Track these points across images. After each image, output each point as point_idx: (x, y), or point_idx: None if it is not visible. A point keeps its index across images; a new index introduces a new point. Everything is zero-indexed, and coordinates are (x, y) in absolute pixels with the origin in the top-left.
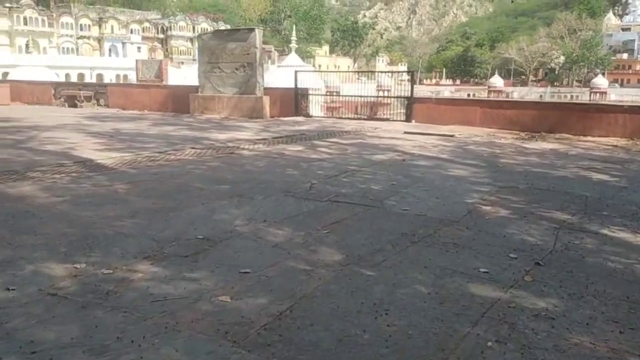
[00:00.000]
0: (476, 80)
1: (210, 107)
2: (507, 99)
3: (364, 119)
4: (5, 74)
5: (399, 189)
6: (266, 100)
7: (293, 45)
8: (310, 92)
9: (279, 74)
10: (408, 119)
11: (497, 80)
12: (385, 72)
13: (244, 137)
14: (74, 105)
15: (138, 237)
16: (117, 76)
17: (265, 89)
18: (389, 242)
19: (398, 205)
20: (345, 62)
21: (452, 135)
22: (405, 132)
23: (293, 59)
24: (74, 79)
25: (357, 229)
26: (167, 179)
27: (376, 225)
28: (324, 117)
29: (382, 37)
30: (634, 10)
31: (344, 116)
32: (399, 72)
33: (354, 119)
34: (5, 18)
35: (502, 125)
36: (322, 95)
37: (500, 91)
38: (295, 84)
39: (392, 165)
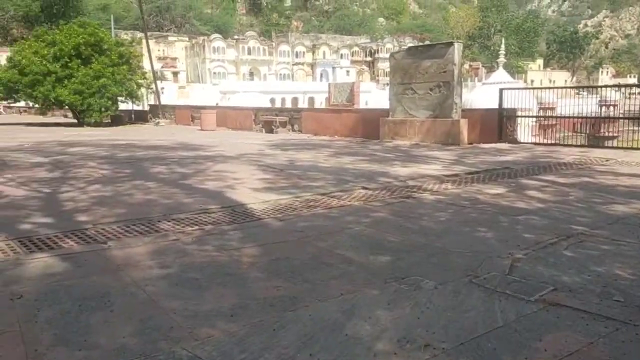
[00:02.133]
0: None
1: (401, 133)
2: None
3: (589, 146)
4: (227, 97)
5: None
6: (463, 123)
7: (501, 60)
8: (518, 112)
9: (482, 92)
10: None
11: None
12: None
13: (431, 173)
14: (271, 131)
15: None
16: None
17: (463, 110)
18: None
19: None
20: (561, 76)
21: None
22: None
23: (500, 75)
24: (288, 103)
25: None
26: (311, 241)
27: None
28: (534, 144)
29: (606, 47)
30: None
31: (560, 142)
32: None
33: (574, 145)
34: (233, 49)
35: None
36: (533, 117)
37: None
38: (500, 104)
39: None
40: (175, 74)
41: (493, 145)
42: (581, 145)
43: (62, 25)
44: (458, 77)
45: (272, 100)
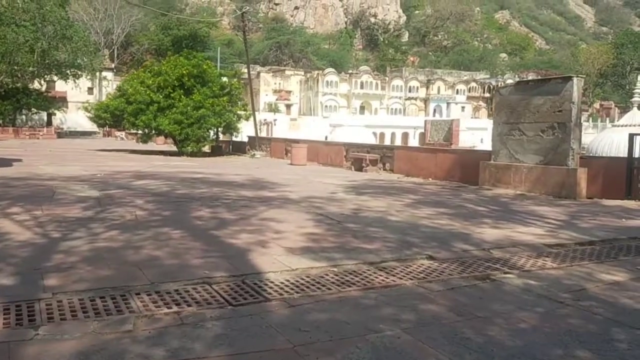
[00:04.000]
0: None
1: (504, 180)
2: None
3: None
4: (334, 131)
5: None
6: (582, 173)
7: (636, 99)
8: None
9: (611, 136)
10: None
11: None
12: None
13: (528, 239)
14: (360, 169)
15: None
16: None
17: (583, 158)
18: None
19: None
20: None
21: None
22: None
23: (633, 116)
24: (398, 137)
25: None
26: (310, 354)
27: None
28: None
29: None
30: None
31: None
32: None
33: None
34: (345, 83)
35: None
36: None
37: None
38: (630, 152)
39: None
40: (288, 106)
41: (619, 202)
42: None
43: (168, 57)
44: (577, 117)
45: (380, 135)
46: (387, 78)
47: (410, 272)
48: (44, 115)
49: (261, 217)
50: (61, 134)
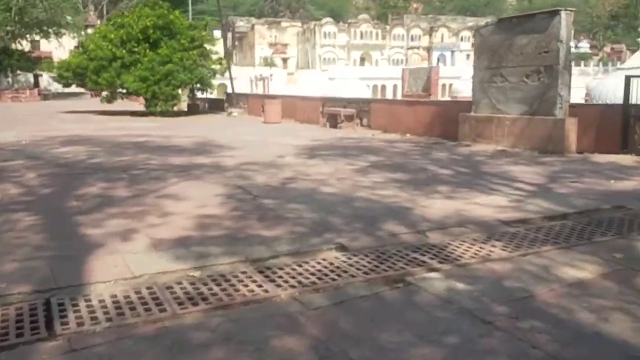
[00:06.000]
0: None
1: (485, 134)
2: None
3: None
4: (332, 85)
5: None
6: (571, 124)
7: None
8: None
9: (614, 81)
10: None
11: None
12: None
13: (483, 214)
14: (335, 126)
15: None
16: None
17: (573, 107)
18: None
19: None
20: None
21: None
22: None
23: None
24: (389, 90)
25: None
26: None
27: None
28: None
29: None
30: None
31: None
32: None
33: None
34: (344, 33)
35: None
36: None
37: None
38: (626, 98)
39: None
40: (285, 60)
41: (612, 158)
42: None
43: (134, 8)
44: (565, 59)
45: (382, 88)
46: (387, 27)
47: (300, 273)
48: (31, 76)
49: (161, 194)
50: (47, 96)
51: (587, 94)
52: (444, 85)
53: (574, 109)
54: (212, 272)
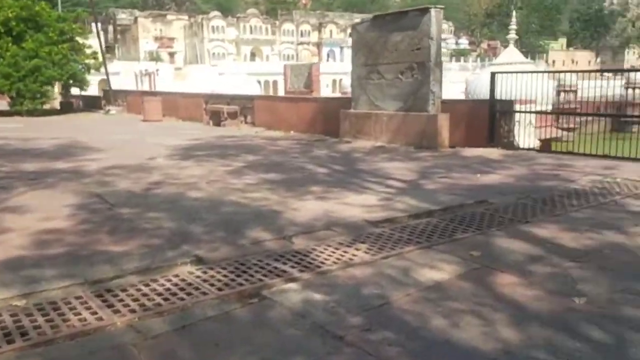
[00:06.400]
0: None
1: (365, 130)
2: None
3: (615, 158)
4: (220, 81)
5: None
6: (443, 120)
7: (512, 36)
8: (518, 106)
9: (486, 76)
10: None
11: None
12: None
13: (353, 214)
14: (218, 124)
15: None
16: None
17: (445, 103)
18: None
19: None
20: (584, 57)
21: None
22: None
23: (510, 54)
24: (281, 86)
25: None
26: None
27: None
28: (537, 150)
29: (633, 26)
30: None
31: (577, 151)
32: None
33: (594, 156)
34: (233, 28)
35: None
36: (542, 113)
37: None
38: (491, 94)
39: None
40: (171, 54)
41: (480, 152)
42: (604, 157)
43: None
44: (437, 56)
45: (273, 83)
46: (277, 22)
47: (146, 294)
48: None
49: (1, 207)
50: None
51: (466, 88)
52: (334, 81)
53: (446, 104)
54: (40, 299)
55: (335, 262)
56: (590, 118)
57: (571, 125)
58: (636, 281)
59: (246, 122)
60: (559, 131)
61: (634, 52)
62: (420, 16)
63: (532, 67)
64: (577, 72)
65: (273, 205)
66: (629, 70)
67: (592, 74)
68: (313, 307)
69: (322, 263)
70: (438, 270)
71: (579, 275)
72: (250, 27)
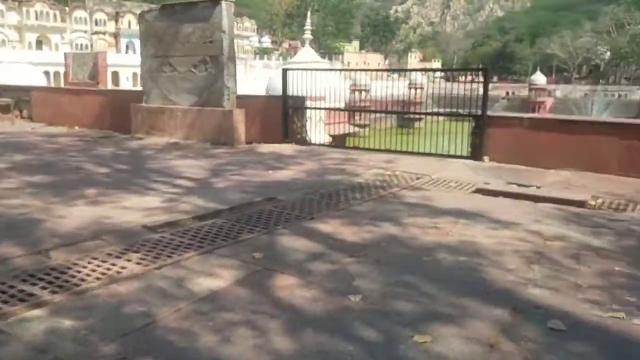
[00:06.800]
0: (514, 77)
1: (159, 126)
2: None
3: (397, 152)
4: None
5: None
6: (239, 115)
7: (307, 36)
8: (309, 103)
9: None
10: (476, 154)
11: (539, 77)
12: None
13: (128, 220)
14: None
15: None
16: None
17: (240, 98)
18: None
19: None
20: (375, 59)
21: (581, 203)
22: (478, 190)
23: (306, 53)
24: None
25: None
26: None
27: None
28: (329, 145)
29: (414, 33)
30: None
31: (365, 146)
32: (467, 70)
33: (379, 150)
34: (15, 12)
35: None
36: (332, 109)
37: (543, 89)
38: (284, 90)
39: None
40: None
41: (275, 147)
42: (387, 151)
43: None
44: (230, 50)
45: (57, 75)
46: (66, 9)
47: None
48: None
49: None
50: None
51: (267, 85)
52: (135, 74)
53: (242, 100)
54: None
55: (98, 278)
56: (378, 115)
57: (364, 122)
58: (406, 273)
59: (22, 117)
60: (355, 127)
61: (415, 56)
62: (210, 8)
63: (327, 66)
64: (363, 70)
65: (34, 213)
66: (410, 70)
67: (383, 76)
68: (59, 337)
69: (82, 280)
70: (216, 277)
71: (356, 270)
72: (36, 13)
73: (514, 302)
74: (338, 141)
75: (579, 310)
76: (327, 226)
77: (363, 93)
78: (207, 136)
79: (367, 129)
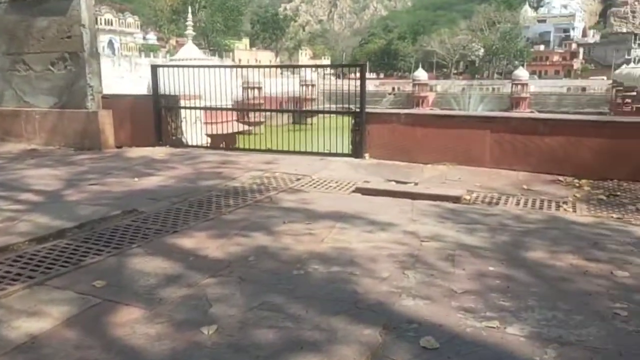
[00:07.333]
0: (399, 73)
1: (15, 131)
2: (543, 117)
3: (280, 152)
4: None
5: None
6: (105, 117)
7: (189, 32)
8: (185, 102)
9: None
10: (357, 152)
11: (421, 74)
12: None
13: None
14: None
15: None
16: None
17: (106, 98)
18: None
19: None
20: (266, 56)
21: (456, 198)
22: (357, 190)
23: (188, 50)
24: None
25: None
26: None
27: None
28: (207, 147)
29: (304, 30)
30: (548, 2)
31: (245, 146)
32: (346, 66)
33: (261, 151)
34: None
35: (539, 164)
36: (201, 108)
37: (425, 84)
38: (155, 89)
39: None
40: None
41: (146, 151)
42: (269, 151)
43: None
44: (91, 46)
45: None
46: None
47: None
48: None
49: None
50: None
51: (148, 84)
52: None
53: (108, 100)
54: None
55: None
56: (270, 113)
57: (259, 120)
58: (272, 292)
59: None
60: (246, 126)
61: (305, 54)
62: (67, 1)
63: (210, 63)
64: (248, 67)
65: None
66: (299, 66)
67: (276, 73)
68: None
69: None
70: (40, 317)
71: (215, 294)
72: None
73: (386, 317)
74: (228, 140)
75: (453, 320)
76: (191, 240)
77: (256, 90)
78: (70, 141)
79: (262, 127)
